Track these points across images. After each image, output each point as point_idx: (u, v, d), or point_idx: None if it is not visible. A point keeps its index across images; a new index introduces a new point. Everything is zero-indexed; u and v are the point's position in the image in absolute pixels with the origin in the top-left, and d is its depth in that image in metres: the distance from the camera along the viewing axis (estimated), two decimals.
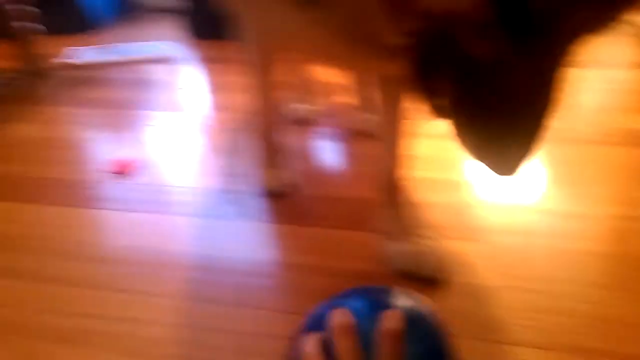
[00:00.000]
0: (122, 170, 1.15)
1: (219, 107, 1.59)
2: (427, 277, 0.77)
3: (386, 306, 0.47)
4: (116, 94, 1.76)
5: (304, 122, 1.36)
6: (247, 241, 0.90)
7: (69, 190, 1.09)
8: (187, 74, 2.02)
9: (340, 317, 0.45)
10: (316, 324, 0.47)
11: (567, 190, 1.00)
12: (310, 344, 0.44)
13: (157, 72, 2.05)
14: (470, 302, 0.74)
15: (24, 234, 0.93)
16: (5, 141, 1.36)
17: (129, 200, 1.04)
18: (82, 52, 2.20)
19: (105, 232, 0.94)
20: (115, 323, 0.72)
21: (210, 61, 2.16)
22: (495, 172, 0.49)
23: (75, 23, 2.66)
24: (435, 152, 1.15)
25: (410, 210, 0.83)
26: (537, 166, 1.10)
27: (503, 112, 0.46)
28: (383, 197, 0.85)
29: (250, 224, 0.95)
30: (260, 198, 1.03)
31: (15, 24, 1.83)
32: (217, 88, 1.78)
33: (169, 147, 1.31)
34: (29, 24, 1.86)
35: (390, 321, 0.45)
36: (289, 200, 1.03)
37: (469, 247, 0.85)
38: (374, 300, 0.49)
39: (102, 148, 1.32)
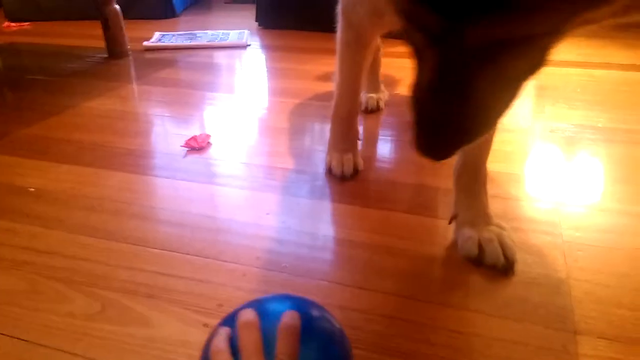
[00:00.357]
0: (193, 145, 1.20)
1: (280, 91, 1.63)
2: (494, 266, 0.76)
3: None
4: (189, 76, 1.83)
5: (371, 110, 1.38)
6: (312, 217, 0.92)
7: (144, 160, 1.15)
8: (254, 59, 2.08)
9: (246, 314, 0.50)
10: (229, 321, 0.51)
11: (628, 188, 1.00)
12: (219, 338, 0.48)
13: (227, 56, 2.11)
14: (536, 291, 0.72)
15: (103, 196, 0.99)
16: (89, 113, 1.45)
17: (199, 173, 1.09)
18: (160, 37, 2.31)
19: (178, 200, 0.98)
20: (186, 282, 0.75)
21: (274, 49, 2.22)
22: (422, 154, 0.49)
23: (156, 10, 2.81)
24: (498, 145, 1.15)
25: (481, 199, 0.83)
26: (600, 166, 1.09)
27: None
28: (459, 183, 0.84)
29: (315, 202, 0.97)
30: (327, 179, 1.05)
31: (103, 8, 1.94)
32: (280, 73, 1.82)
33: (236, 126, 1.36)
34: (114, 8, 1.96)
35: (288, 318, 0.48)
36: (356, 182, 1.04)
37: (535, 238, 0.83)
38: (288, 306, 0.51)
39: (173, 123, 1.38)
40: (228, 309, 0.56)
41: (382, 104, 1.38)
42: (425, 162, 1.01)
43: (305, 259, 0.80)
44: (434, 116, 0.47)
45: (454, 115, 0.45)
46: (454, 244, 0.82)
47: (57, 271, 0.79)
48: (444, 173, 1.03)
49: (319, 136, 1.28)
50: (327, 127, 1.10)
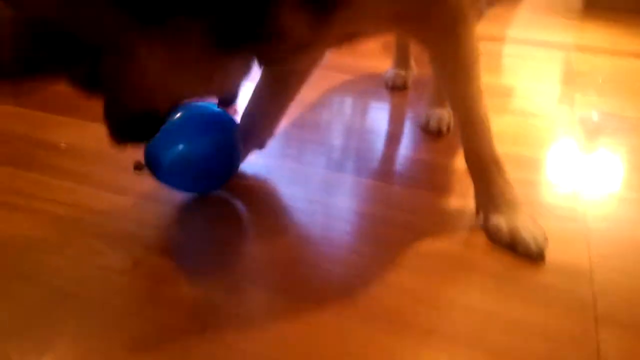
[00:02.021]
0: None
1: None
2: (522, 252, 0.76)
3: None
4: None
5: (397, 88, 1.36)
6: (338, 192, 0.93)
7: None
8: None
9: None
10: None
11: None
12: None
13: None
14: (559, 278, 0.73)
15: (129, 156, 1.00)
16: None
17: None
18: None
19: None
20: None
21: None
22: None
23: None
24: (523, 130, 1.15)
25: (497, 184, 0.83)
26: (626, 155, 1.08)
27: None
28: (470, 170, 0.84)
29: (336, 175, 0.98)
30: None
31: None
32: None
33: None
34: None
35: None
36: (379, 160, 1.05)
37: (558, 225, 0.84)
38: None
39: None
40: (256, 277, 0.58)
41: (409, 82, 1.37)
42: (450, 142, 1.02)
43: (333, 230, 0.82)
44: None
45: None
46: (479, 228, 0.83)
47: (89, 226, 0.81)
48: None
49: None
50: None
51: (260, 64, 0.68)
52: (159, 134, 0.69)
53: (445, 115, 1.13)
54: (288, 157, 1.04)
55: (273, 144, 1.03)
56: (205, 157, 0.82)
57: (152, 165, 0.80)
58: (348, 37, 0.73)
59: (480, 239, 0.80)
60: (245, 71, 0.67)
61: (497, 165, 0.81)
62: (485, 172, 0.82)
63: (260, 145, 0.98)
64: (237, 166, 0.91)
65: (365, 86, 1.39)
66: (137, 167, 0.86)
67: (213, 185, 0.89)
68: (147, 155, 0.80)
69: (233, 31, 0.57)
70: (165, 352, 0.60)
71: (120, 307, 0.66)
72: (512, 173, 0.82)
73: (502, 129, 1.16)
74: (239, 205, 0.89)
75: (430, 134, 1.13)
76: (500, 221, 0.79)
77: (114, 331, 0.62)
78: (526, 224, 0.78)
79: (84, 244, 0.77)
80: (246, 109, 0.95)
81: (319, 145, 1.10)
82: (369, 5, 0.65)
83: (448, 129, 1.13)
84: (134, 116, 0.65)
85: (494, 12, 2.14)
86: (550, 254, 0.76)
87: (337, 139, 1.15)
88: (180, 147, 0.79)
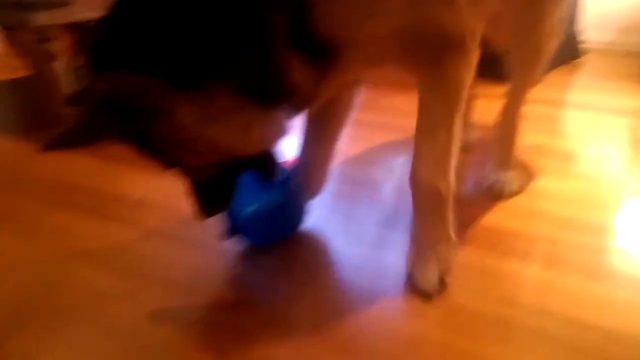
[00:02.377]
0: None
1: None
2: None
3: None
4: None
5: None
6: (389, 249, 0.93)
7: None
8: None
9: None
10: None
11: None
12: None
13: None
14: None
15: None
16: None
17: None
18: None
19: None
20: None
21: None
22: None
23: None
24: (588, 194, 1.13)
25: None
26: None
27: None
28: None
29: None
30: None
31: None
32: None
33: None
34: None
35: None
36: None
37: (630, 294, 0.80)
38: None
39: None
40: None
41: (472, 145, 1.37)
42: (507, 206, 1.00)
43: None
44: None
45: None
46: (540, 289, 0.80)
47: (157, 276, 0.84)
48: (528, 218, 1.02)
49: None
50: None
51: (291, 112, 0.74)
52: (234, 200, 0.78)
53: (512, 179, 1.13)
54: (339, 214, 1.06)
55: (324, 200, 1.05)
56: (279, 209, 0.89)
57: (235, 227, 0.87)
58: (353, 81, 0.83)
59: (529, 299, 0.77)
60: (282, 125, 0.71)
61: (438, 197, 0.81)
62: (424, 201, 0.82)
63: (318, 190, 1.03)
64: (304, 213, 0.96)
65: None
66: (227, 235, 0.89)
67: (288, 233, 0.95)
68: (229, 219, 0.87)
69: (254, 88, 0.64)
70: None
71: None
72: (580, 238, 0.79)
73: (566, 193, 1.14)
74: (295, 258, 0.90)
75: (497, 197, 1.12)
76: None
77: None
78: (427, 264, 0.81)
79: (155, 293, 0.80)
80: (299, 160, 1.00)
81: (371, 202, 1.11)
82: (356, 53, 0.69)
83: (516, 191, 1.12)
84: (205, 185, 0.75)
85: (552, 78, 2.14)
86: (621, 323, 0.72)
87: (388, 197, 1.15)
88: (256, 205, 0.86)
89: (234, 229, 0.88)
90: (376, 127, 1.57)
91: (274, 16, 0.62)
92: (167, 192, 1.11)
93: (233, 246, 0.90)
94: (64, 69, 1.54)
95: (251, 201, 0.86)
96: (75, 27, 1.86)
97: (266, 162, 0.79)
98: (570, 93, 2.04)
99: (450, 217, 0.83)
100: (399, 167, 1.33)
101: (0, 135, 1.57)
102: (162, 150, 0.68)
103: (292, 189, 0.92)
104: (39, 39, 1.46)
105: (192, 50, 0.59)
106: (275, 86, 0.65)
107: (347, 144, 1.01)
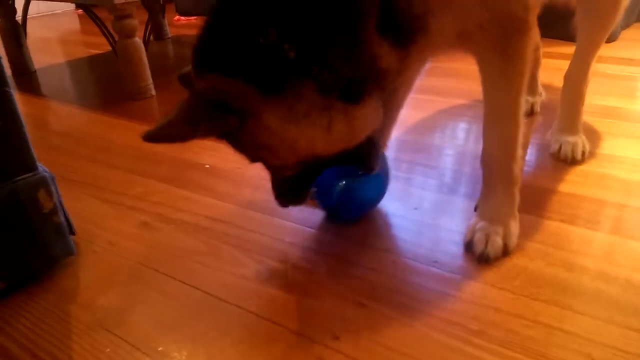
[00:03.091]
0: None
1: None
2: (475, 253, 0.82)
3: None
4: None
5: (528, 114, 1.34)
6: (448, 215, 0.95)
7: None
8: None
9: None
10: None
11: None
12: None
13: None
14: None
15: (266, 177, 1.10)
16: None
17: None
18: None
19: None
20: (345, 265, 0.83)
21: None
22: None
23: None
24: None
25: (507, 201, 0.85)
26: None
27: None
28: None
29: (445, 197, 0.99)
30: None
31: None
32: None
33: None
34: None
35: None
36: None
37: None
38: None
39: None
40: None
41: (537, 108, 1.34)
42: (574, 170, 0.99)
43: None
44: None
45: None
46: (604, 254, 0.81)
47: (230, 238, 0.91)
48: (595, 183, 1.00)
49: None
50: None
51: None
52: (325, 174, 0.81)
53: (579, 142, 1.11)
54: (399, 179, 1.08)
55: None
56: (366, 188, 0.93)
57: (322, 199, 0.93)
58: (424, 61, 0.85)
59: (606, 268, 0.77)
60: (376, 113, 0.73)
61: (509, 178, 0.83)
62: (495, 180, 0.85)
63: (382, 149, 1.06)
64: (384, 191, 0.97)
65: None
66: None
67: (368, 209, 0.97)
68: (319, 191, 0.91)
69: (342, 83, 0.66)
70: (296, 359, 0.66)
71: (255, 312, 0.74)
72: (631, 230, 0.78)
73: (635, 158, 1.10)
74: (355, 222, 0.94)
75: (563, 161, 1.10)
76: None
77: (247, 334, 0.70)
78: (492, 235, 0.82)
79: (226, 253, 0.87)
80: None
81: (430, 168, 1.13)
82: (440, 30, 0.69)
83: (583, 156, 1.10)
84: (286, 180, 0.79)
85: (626, 35, 2.02)
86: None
87: (448, 163, 1.16)
88: (344, 182, 0.90)
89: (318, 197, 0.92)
90: (435, 93, 1.55)
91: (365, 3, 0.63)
92: (236, 160, 1.18)
93: (301, 213, 0.96)
94: (140, 45, 1.64)
95: (338, 177, 0.89)
96: (148, 4, 1.95)
97: (364, 153, 0.79)
98: None
99: (517, 196, 0.85)
100: (458, 133, 1.33)
101: (83, 108, 1.70)
102: (247, 149, 0.73)
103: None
104: (116, 16, 1.55)
105: (283, 55, 0.62)
106: (367, 74, 0.67)
107: (405, 110, 1.03)
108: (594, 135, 1.20)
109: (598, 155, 1.12)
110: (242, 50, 0.63)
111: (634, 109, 1.37)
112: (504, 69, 0.78)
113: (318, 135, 0.68)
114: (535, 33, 0.85)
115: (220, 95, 0.63)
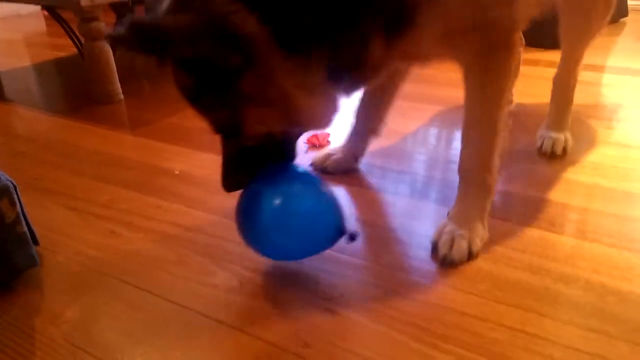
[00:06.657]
0: (314, 142, 1.28)
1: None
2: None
3: None
4: None
5: None
6: (420, 220, 0.96)
7: None
8: None
9: None
10: None
11: None
12: None
13: None
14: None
15: None
16: None
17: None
18: None
19: None
20: (314, 273, 0.84)
21: None
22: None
23: None
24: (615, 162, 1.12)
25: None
26: None
27: None
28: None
29: (416, 202, 1.00)
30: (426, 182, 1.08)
31: None
32: None
33: None
34: None
35: None
36: None
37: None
38: None
39: None
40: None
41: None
42: (539, 175, 1.03)
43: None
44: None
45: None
46: (565, 256, 0.82)
47: (200, 247, 0.90)
48: (559, 187, 1.03)
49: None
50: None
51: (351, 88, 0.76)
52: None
53: (561, 138, 1.18)
54: (372, 186, 1.09)
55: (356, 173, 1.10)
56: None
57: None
58: (407, 58, 0.84)
59: (588, 277, 0.80)
60: (337, 102, 0.74)
61: (482, 187, 0.86)
62: (468, 187, 0.88)
63: (377, 133, 1.14)
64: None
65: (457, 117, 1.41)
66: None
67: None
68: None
69: (343, 62, 0.67)
70: None
71: (225, 322, 0.73)
72: (612, 207, 0.80)
73: (603, 161, 1.14)
74: None
75: (544, 155, 1.18)
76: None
77: (218, 344, 0.69)
78: (458, 237, 0.83)
79: (196, 262, 0.86)
80: (351, 127, 1.11)
81: (402, 173, 1.15)
82: (427, 24, 0.70)
83: (564, 151, 1.17)
84: (242, 154, 0.76)
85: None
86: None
87: (421, 169, 1.18)
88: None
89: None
90: (408, 99, 1.57)
91: None
92: (207, 166, 1.18)
93: None
94: (108, 48, 1.61)
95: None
96: (116, 7, 1.91)
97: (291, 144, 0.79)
98: (612, 57, 1.98)
99: (489, 206, 0.88)
100: (431, 139, 1.34)
101: (48, 113, 1.66)
102: (234, 105, 0.65)
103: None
104: (82, 18, 1.52)
105: (305, 15, 0.60)
106: (360, 60, 0.68)
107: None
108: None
109: (562, 160, 1.16)
110: None
111: (599, 115, 1.42)
112: (485, 82, 0.80)
113: (315, 109, 0.69)
114: (519, 51, 0.88)
115: (234, 29, 0.57)
